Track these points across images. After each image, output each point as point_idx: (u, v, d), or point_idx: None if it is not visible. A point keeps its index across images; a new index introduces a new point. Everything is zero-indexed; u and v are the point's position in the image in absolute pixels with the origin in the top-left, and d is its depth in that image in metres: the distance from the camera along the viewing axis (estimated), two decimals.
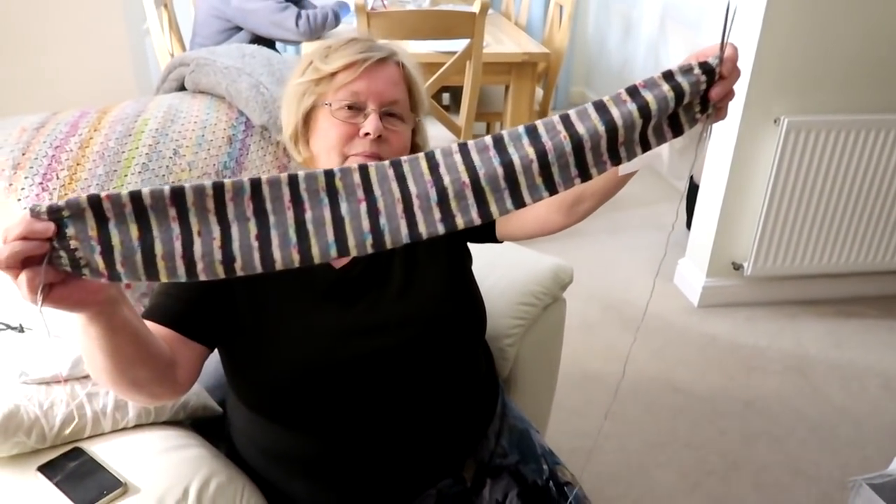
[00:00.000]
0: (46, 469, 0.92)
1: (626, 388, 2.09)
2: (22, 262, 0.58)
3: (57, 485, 0.89)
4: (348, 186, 0.66)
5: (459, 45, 2.39)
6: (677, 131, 0.72)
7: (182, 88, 1.61)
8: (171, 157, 1.36)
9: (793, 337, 2.35)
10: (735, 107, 2.21)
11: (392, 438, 1.01)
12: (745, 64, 2.14)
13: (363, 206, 0.66)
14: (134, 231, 0.62)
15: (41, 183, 1.22)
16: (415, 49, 2.62)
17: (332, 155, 1.00)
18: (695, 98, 0.71)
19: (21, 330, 1.05)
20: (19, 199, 1.21)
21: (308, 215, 0.65)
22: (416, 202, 0.66)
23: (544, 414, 1.60)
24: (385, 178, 0.67)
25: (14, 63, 1.83)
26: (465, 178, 0.67)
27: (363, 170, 0.67)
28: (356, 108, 0.99)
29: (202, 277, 0.63)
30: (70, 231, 0.60)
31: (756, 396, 2.08)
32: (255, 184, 0.65)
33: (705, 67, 0.70)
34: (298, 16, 2.71)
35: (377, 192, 0.67)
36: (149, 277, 0.62)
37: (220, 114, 1.49)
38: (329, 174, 0.66)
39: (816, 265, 2.42)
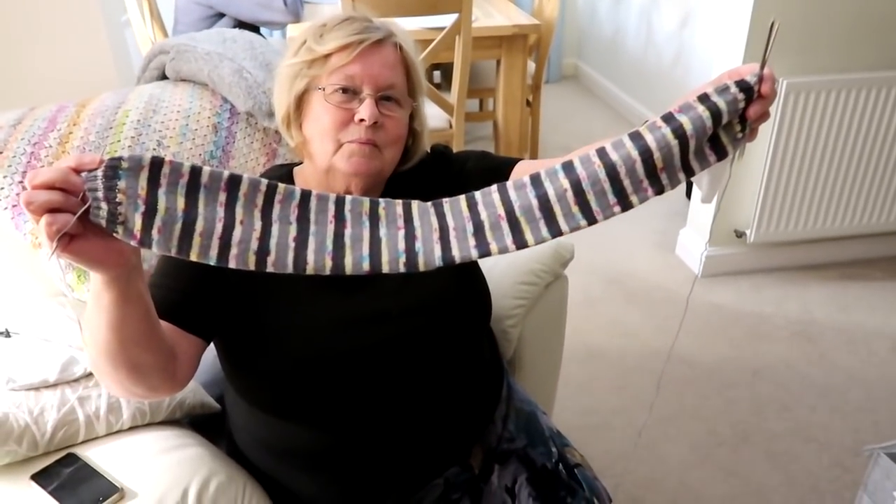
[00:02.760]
0: (40, 477, 0.89)
1: (632, 363, 2.07)
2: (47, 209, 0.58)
3: (51, 493, 0.87)
4: (390, 215, 0.70)
5: (447, 20, 2.34)
6: (721, 154, 0.71)
7: (164, 77, 1.56)
8: (154, 149, 1.32)
9: (798, 302, 2.32)
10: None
11: (397, 428, 0.98)
12: (741, 28, 2.09)
13: (401, 233, 0.69)
14: (181, 202, 0.63)
15: (21, 181, 1.18)
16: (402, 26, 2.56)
17: (326, 141, 0.95)
18: (734, 117, 0.70)
19: (7, 335, 1.01)
20: None
21: (348, 231, 0.68)
22: (452, 232, 0.70)
23: (550, 393, 1.58)
24: (426, 213, 0.70)
25: None
26: (501, 211, 0.70)
27: (406, 205, 0.71)
28: (351, 92, 0.94)
29: (231, 264, 0.64)
30: (121, 184, 0.60)
31: (763, 364, 2.06)
32: (306, 194, 0.68)
33: (742, 85, 0.69)
34: None
35: (416, 222, 0.70)
36: (180, 251, 0.63)
37: (203, 101, 1.44)
38: (374, 202, 0.70)
39: (820, 229, 2.38)
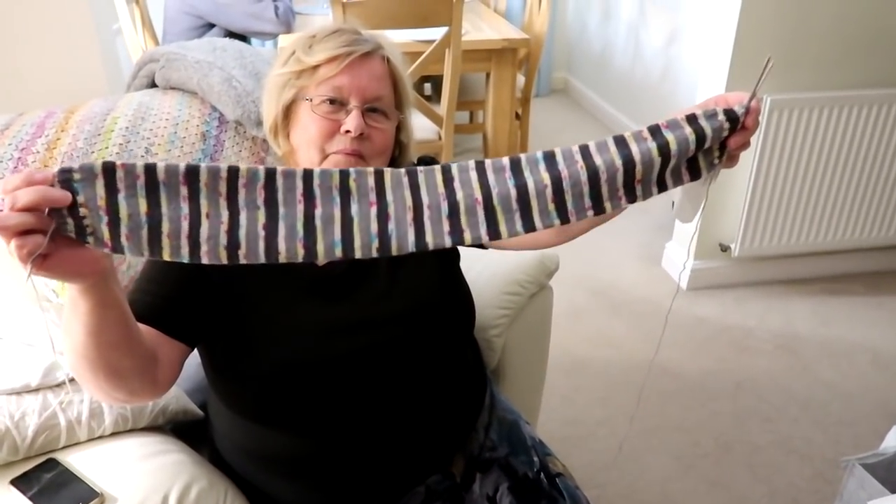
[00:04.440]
0: (20, 482, 0.89)
1: (616, 374, 2.08)
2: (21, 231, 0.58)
3: (31, 498, 0.86)
4: (361, 188, 0.67)
5: (438, 33, 2.36)
6: (695, 175, 0.73)
7: (153, 85, 1.56)
8: (142, 156, 1.33)
9: (781, 316, 2.35)
10: (717, 87, 2.19)
11: (378, 436, 0.99)
12: (725, 44, 2.12)
13: (374, 210, 0.67)
14: (143, 205, 0.61)
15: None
16: (393, 38, 2.58)
17: (312, 151, 0.96)
18: (715, 143, 0.71)
19: None
20: None
21: (318, 211, 0.66)
22: (426, 212, 0.67)
23: (534, 404, 1.59)
24: (399, 185, 0.68)
25: None
26: (478, 195, 0.68)
27: (379, 174, 0.67)
28: (338, 104, 0.95)
29: (204, 260, 0.63)
30: (80, 197, 0.59)
31: (747, 377, 2.08)
32: (270, 173, 0.65)
33: (730, 115, 0.70)
34: (276, 7, 2.66)
35: (389, 197, 0.67)
36: (152, 254, 0.62)
37: (192, 110, 1.45)
38: (344, 173, 0.67)
39: (803, 244, 2.41)
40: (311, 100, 0.95)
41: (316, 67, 0.95)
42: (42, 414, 0.94)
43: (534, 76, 3.12)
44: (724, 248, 2.42)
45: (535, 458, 1.12)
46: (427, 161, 1.14)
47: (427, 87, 3.55)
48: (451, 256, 1.12)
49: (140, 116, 1.38)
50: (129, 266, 1.26)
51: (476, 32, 2.72)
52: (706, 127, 0.70)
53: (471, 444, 1.11)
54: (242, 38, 2.80)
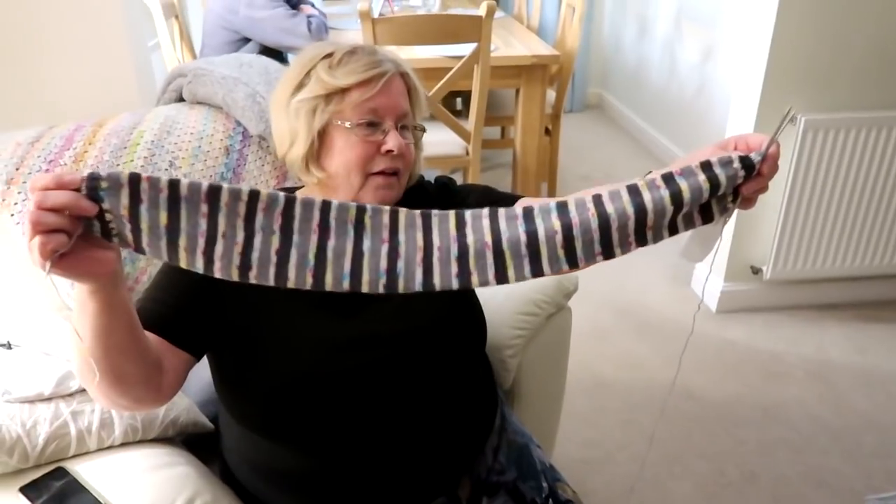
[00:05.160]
0: (28, 490, 0.90)
1: (639, 396, 2.04)
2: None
3: None
4: (375, 225, 0.69)
5: (467, 49, 2.36)
6: (707, 219, 0.72)
7: (181, 99, 1.60)
8: (166, 170, 1.35)
9: (814, 342, 2.28)
10: (750, 105, 2.15)
11: (383, 455, 0.98)
12: (759, 61, 2.08)
13: (385, 247, 0.68)
14: (163, 218, 0.64)
15: None
16: (422, 54, 2.60)
17: (354, 175, 0.98)
18: (729, 189, 0.70)
19: (8, 347, 1.04)
20: (12, 214, 1.20)
21: (331, 243, 0.68)
22: (436, 253, 0.69)
23: (551, 426, 1.56)
24: (412, 226, 0.69)
25: (13, 82, 1.84)
26: (488, 239, 0.69)
27: (394, 213, 0.69)
28: (373, 125, 0.97)
29: (217, 275, 0.66)
30: (105, 205, 0.62)
31: (775, 404, 2.02)
32: (290, 200, 0.67)
33: (746, 163, 0.69)
34: (309, 22, 2.70)
35: (402, 236, 0.69)
36: (170, 259, 0.65)
37: (217, 124, 1.47)
38: (361, 208, 0.68)
39: (838, 268, 2.34)
40: (347, 124, 0.96)
41: (346, 90, 0.96)
42: (53, 423, 0.95)
43: (565, 92, 3.11)
44: (756, 271, 2.36)
45: (545, 484, 1.10)
46: (444, 182, 1.14)
47: (458, 101, 3.56)
48: None
49: (166, 130, 1.41)
50: (150, 277, 1.28)
51: (506, 48, 2.72)
52: (721, 174, 0.69)
53: (478, 467, 1.09)
54: (278, 52, 2.85)
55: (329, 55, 0.99)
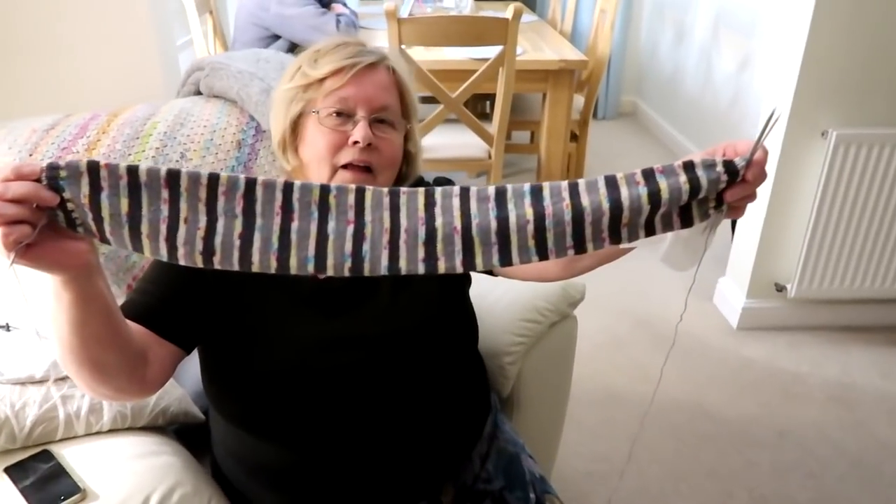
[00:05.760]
0: (12, 470, 0.91)
1: (651, 411, 1.99)
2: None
3: (20, 488, 0.89)
4: (341, 205, 0.67)
5: (494, 51, 2.35)
6: (686, 223, 0.70)
7: (199, 93, 1.62)
8: (177, 161, 1.37)
9: (838, 364, 2.20)
10: (780, 119, 2.09)
11: (366, 455, 0.97)
12: (791, 72, 2.02)
13: (350, 228, 0.67)
14: (125, 205, 0.63)
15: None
16: (448, 56, 2.59)
17: (322, 165, 0.96)
18: (711, 194, 0.68)
19: (7, 329, 1.05)
20: None
21: (294, 225, 0.66)
22: (402, 236, 0.67)
23: (551, 437, 1.53)
24: (379, 206, 0.67)
25: (40, 75, 1.89)
26: (458, 223, 0.67)
27: (359, 192, 0.67)
28: (345, 115, 0.95)
29: (182, 262, 0.65)
30: (66, 194, 0.61)
31: (792, 426, 1.95)
32: (250, 183, 0.66)
33: (729, 167, 0.66)
34: (338, 20, 2.72)
35: (367, 217, 0.67)
36: (134, 249, 0.64)
37: (230, 118, 1.48)
38: (325, 189, 0.67)
39: (867, 289, 2.26)
40: (317, 112, 0.95)
41: (322, 80, 0.95)
42: (42, 406, 0.96)
43: (594, 98, 3.07)
44: (780, 288, 2.29)
45: (532, 495, 1.08)
46: (442, 182, 1.13)
47: (487, 104, 3.54)
48: (460, 281, 1.10)
49: (179, 122, 1.42)
50: (135, 264, 1.28)
51: (535, 52, 2.70)
52: (702, 177, 0.66)
53: (464, 474, 1.08)
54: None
55: (318, 50, 0.99)
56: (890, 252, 2.20)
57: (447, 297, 1.05)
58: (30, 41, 1.84)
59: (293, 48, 2.79)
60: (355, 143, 0.94)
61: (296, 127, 0.99)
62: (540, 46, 2.81)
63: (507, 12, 2.24)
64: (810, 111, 2.04)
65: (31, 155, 1.27)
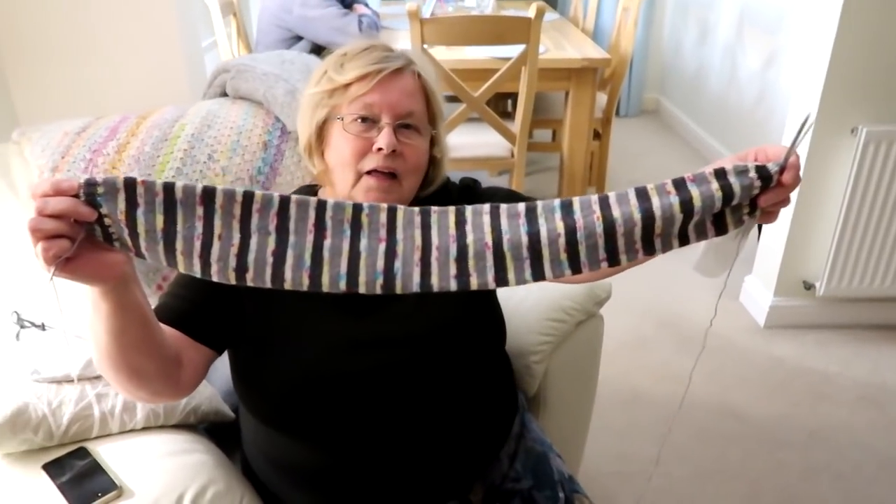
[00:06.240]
0: (50, 467, 0.93)
1: (677, 411, 1.98)
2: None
3: (57, 484, 0.90)
4: (373, 223, 0.68)
5: (516, 50, 2.34)
6: (721, 231, 0.69)
7: (225, 95, 1.63)
8: (205, 162, 1.38)
9: (868, 364, 2.17)
10: (809, 116, 2.06)
11: (395, 456, 0.98)
12: (820, 68, 1.99)
13: (382, 246, 0.67)
14: (160, 221, 0.64)
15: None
16: (471, 55, 2.59)
17: (346, 171, 0.97)
18: (745, 200, 0.67)
19: (43, 328, 1.07)
20: None
21: (327, 242, 0.67)
22: (434, 253, 0.67)
23: (578, 436, 1.53)
24: (410, 224, 0.68)
25: (68, 78, 1.92)
26: (489, 239, 0.67)
27: (391, 211, 0.68)
28: (370, 121, 0.95)
29: (214, 279, 0.66)
30: (103, 210, 0.63)
31: (822, 426, 1.93)
32: (284, 201, 0.67)
33: (762, 173, 0.66)
34: (360, 21, 2.73)
35: (399, 235, 0.68)
36: (168, 264, 0.65)
37: (256, 119, 1.50)
38: (357, 207, 0.68)
39: None
40: (342, 119, 0.95)
41: (347, 86, 0.95)
42: (78, 404, 0.98)
43: (616, 96, 3.05)
44: (809, 286, 2.26)
45: (561, 494, 1.07)
46: (467, 183, 1.13)
47: (508, 103, 3.53)
48: None
49: (206, 124, 1.44)
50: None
51: (557, 51, 2.69)
52: (735, 184, 0.66)
53: (493, 473, 1.08)
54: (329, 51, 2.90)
55: (345, 54, 0.99)
56: None
57: (474, 297, 1.05)
58: (60, 45, 1.88)
59: (316, 49, 2.81)
60: (379, 149, 0.94)
61: (321, 132, 0.99)
62: (562, 45, 2.80)
63: (530, 11, 2.24)
64: (840, 108, 2.01)
65: (63, 157, 1.29)
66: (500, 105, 3.53)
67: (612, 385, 2.04)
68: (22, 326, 1.07)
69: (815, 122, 2.04)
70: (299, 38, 2.81)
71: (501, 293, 1.14)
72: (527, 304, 1.35)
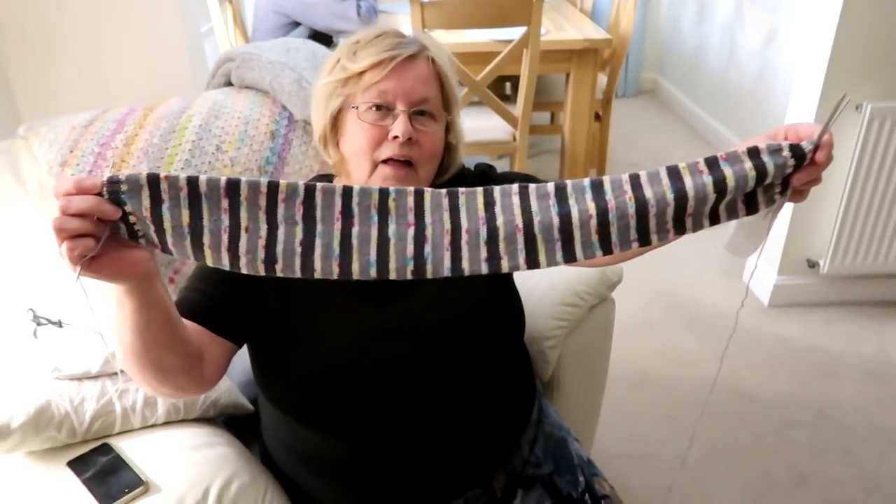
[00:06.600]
0: (75, 464, 0.93)
1: (685, 391, 1.99)
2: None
3: (83, 481, 0.91)
4: (400, 208, 0.66)
5: (518, 32, 2.32)
6: (752, 210, 0.68)
7: (230, 84, 1.62)
8: (213, 153, 1.37)
9: (873, 341, 2.18)
10: (812, 93, 2.06)
11: (419, 445, 0.98)
12: (824, 45, 1.98)
13: (411, 231, 0.66)
14: (185, 216, 0.63)
15: None
16: (472, 38, 2.57)
17: (362, 161, 0.96)
18: (777, 179, 0.66)
19: (60, 325, 1.07)
20: None
21: (355, 230, 0.66)
22: (464, 236, 0.66)
23: (591, 418, 1.54)
24: (438, 207, 0.67)
25: (69, 66, 1.90)
26: (519, 221, 0.66)
27: (418, 194, 0.67)
28: (385, 109, 0.94)
29: (244, 271, 0.65)
30: (127, 207, 0.62)
31: (830, 404, 1.94)
32: (310, 190, 0.66)
33: (797, 151, 0.65)
34: (359, 6, 2.70)
35: (428, 219, 0.67)
36: (196, 259, 0.65)
37: (263, 109, 1.48)
38: (384, 192, 0.66)
39: None
40: (357, 107, 0.94)
41: (361, 74, 0.94)
42: (100, 400, 0.98)
43: (616, 77, 3.03)
44: (812, 265, 2.27)
45: (581, 478, 1.08)
46: (483, 169, 1.12)
47: (507, 86, 3.51)
48: None
49: (213, 115, 1.42)
50: (192, 265, 1.30)
51: (558, 32, 2.67)
52: (769, 163, 0.65)
53: (514, 460, 1.08)
54: (327, 37, 2.86)
55: (357, 41, 0.97)
56: None
57: (494, 283, 1.04)
58: (64, 39, 1.85)
59: (315, 35, 2.78)
60: (395, 137, 0.93)
61: (336, 122, 0.98)
62: (562, 26, 2.78)
63: None
64: (844, 84, 2.00)
65: (71, 152, 1.28)
66: (499, 88, 3.50)
67: (620, 367, 2.04)
68: (38, 324, 1.06)
69: (819, 99, 2.03)
70: (297, 24, 2.78)
71: (516, 278, 1.14)
72: (541, 289, 1.35)
